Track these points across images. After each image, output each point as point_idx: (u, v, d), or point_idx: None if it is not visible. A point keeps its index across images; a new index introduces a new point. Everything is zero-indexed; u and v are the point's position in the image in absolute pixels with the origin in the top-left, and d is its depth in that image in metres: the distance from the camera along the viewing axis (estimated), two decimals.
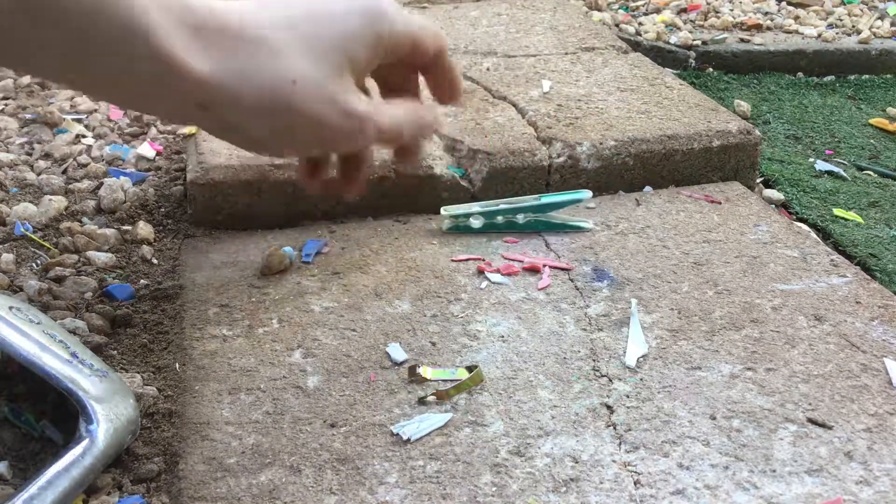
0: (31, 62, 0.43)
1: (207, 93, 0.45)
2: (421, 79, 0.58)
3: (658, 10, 1.50)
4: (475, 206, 0.74)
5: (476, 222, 0.73)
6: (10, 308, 0.52)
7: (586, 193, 0.75)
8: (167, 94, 0.46)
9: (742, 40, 1.38)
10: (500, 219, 0.73)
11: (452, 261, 0.69)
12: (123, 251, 0.70)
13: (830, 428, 0.53)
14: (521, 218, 0.73)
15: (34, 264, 0.68)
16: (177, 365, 0.57)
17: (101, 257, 0.69)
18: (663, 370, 0.57)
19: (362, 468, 0.49)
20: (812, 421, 0.53)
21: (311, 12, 0.48)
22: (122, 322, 0.62)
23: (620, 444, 0.51)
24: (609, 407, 0.54)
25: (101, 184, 0.79)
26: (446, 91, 0.58)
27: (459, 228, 0.73)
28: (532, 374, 0.57)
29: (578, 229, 0.74)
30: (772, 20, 1.48)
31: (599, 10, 1.50)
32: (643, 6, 1.53)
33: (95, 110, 0.94)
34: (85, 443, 0.46)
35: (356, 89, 0.50)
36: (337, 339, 0.60)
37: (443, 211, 0.74)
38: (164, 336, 0.61)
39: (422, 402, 0.54)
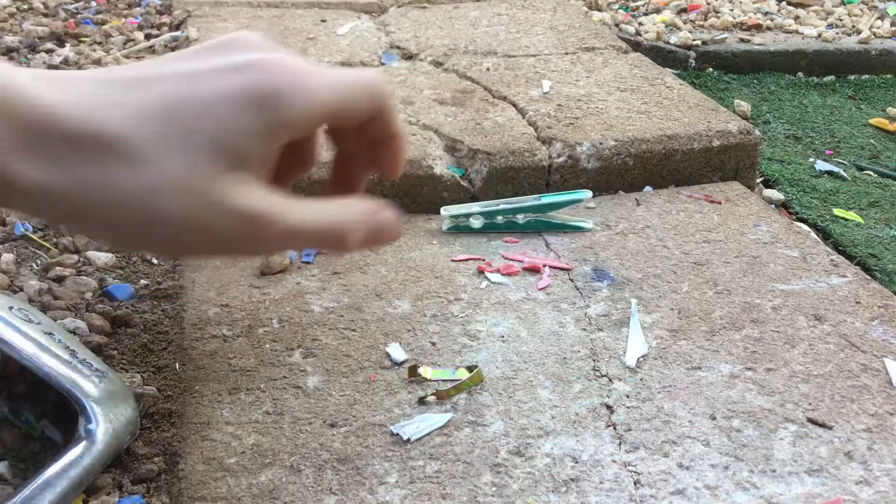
0: None
1: (55, 209, 0.38)
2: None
3: (658, 10, 1.50)
4: (475, 206, 0.74)
5: (476, 222, 0.73)
6: (10, 308, 0.52)
7: (586, 193, 0.75)
8: (21, 207, 0.38)
9: (742, 40, 1.38)
10: (500, 219, 0.73)
11: (452, 261, 0.69)
12: (123, 251, 0.70)
13: (830, 428, 0.53)
14: (521, 218, 0.73)
15: (34, 264, 0.68)
16: (177, 365, 0.57)
17: (101, 257, 0.69)
18: (663, 370, 0.57)
19: (362, 468, 0.49)
20: (812, 421, 0.53)
21: (182, 102, 0.39)
22: (122, 322, 0.62)
23: (620, 444, 0.51)
24: (609, 407, 0.54)
25: None
26: (385, 162, 0.46)
27: (459, 228, 0.73)
28: (532, 374, 0.57)
29: (578, 229, 0.74)
30: (772, 20, 1.48)
31: (599, 10, 1.50)
32: (643, 6, 1.53)
33: None
34: (84, 443, 0.46)
35: (251, 185, 0.41)
36: (337, 339, 0.60)
37: (443, 211, 0.74)
38: (164, 336, 0.61)
39: (422, 402, 0.54)
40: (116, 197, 0.38)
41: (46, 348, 0.49)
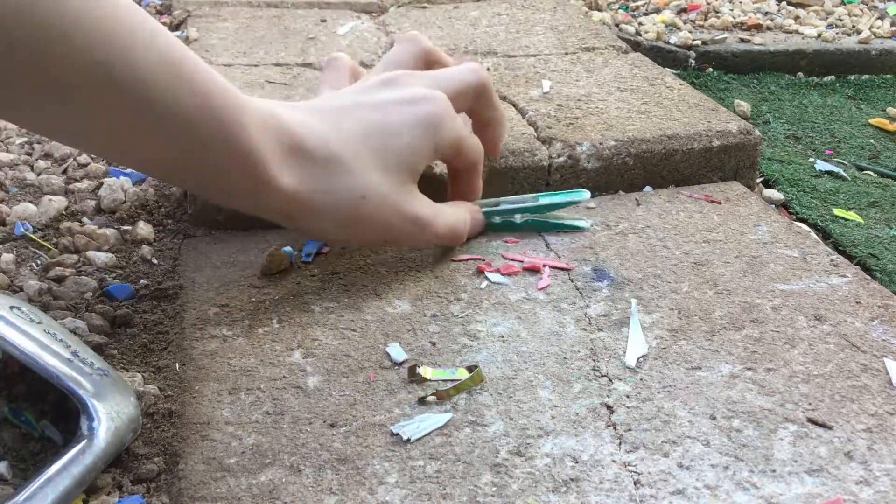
0: (128, 155, 0.48)
1: (294, 207, 0.51)
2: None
3: (658, 10, 1.50)
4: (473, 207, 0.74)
5: None
6: (11, 308, 0.52)
7: (584, 194, 0.75)
8: (256, 202, 0.51)
9: (742, 40, 1.38)
10: (497, 219, 0.73)
11: (452, 261, 0.69)
12: (123, 251, 0.71)
13: (830, 428, 0.53)
14: (518, 218, 0.73)
15: (34, 264, 0.68)
16: (177, 365, 0.57)
17: (101, 257, 0.69)
18: (663, 370, 0.57)
19: (362, 468, 0.49)
20: (812, 421, 0.53)
21: (377, 127, 0.53)
22: (122, 322, 0.62)
23: (620, 444, 0.51)
24: (609, 407, 0.54)
25: (101, 184, 0.79)
26: (487, 143, 0.65)
27: None
28: (532, 374, 0.57)
29: (576, 229, 0.74)
30: (772, 20, 1.48)
31: (599, 10, 1.50)
32: (643, 6, 1.53)
33: None
34: (86, 441, 0.46)
35: (418, 195, 0.57)
36: (337, 339, 0.60)
37: None
38: (164, 336, 0.61)
39: (422, 402, 0.54)
40: (337, 199, 0.51)
41: (48, 347, 0.49)
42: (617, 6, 1.53)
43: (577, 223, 0.74)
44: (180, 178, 0.52)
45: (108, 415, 0.48)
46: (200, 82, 0.44)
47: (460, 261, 0.69)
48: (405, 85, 0.55)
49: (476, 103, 0.62)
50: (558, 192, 0.76)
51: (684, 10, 1.51)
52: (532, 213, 0.73)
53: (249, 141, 0.47)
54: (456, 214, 0.61)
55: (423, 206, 0.57)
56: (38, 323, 0.52)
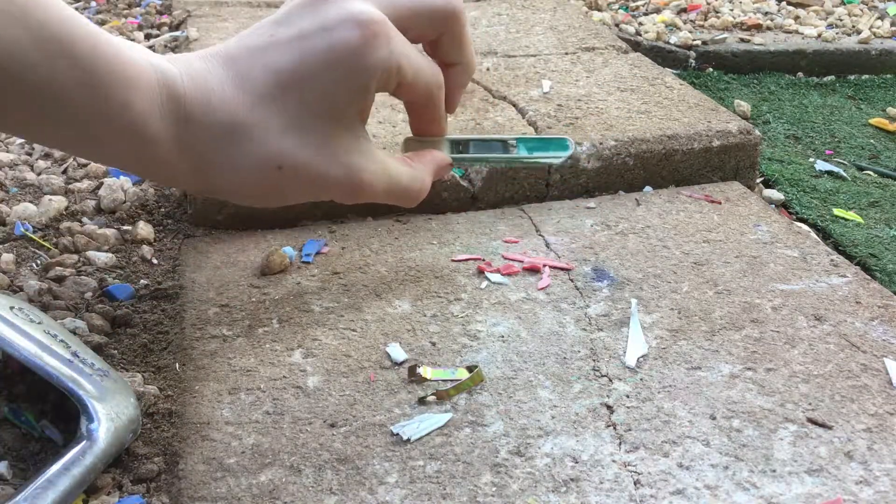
0: (37, 137, 0.44)
1: (200, 183, 0.45)
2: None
3: (658, 10, 1.50)
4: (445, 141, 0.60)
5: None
6: (11, 308, 0.52)
7: (569, 148, 0.62)
8: (163, 179, 0.47)
9: (742, 40, 1.39)
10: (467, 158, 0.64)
11: (452, 261, 0.69)
12: (123, 251, 0.71)
13: (830, 428, 0.53)
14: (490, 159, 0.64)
15: (34, 264, 0.68)
16: (177, 365, 0.57)
17: (101, 257, 0.69)
18: (663, 370, 0.57)
19: (362, 468, 0.49)
20: (812, 421, 0.53)
21: (288, 74, 0.44)
22: (122, 322, 0.62)
23: (620, 444, 0.51)
24: (609, 407, 0.54)
25: (101, 184, 0.79)
26: (422, 134, 0.55)
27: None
28: (532, 374, 0.57)
29: (550, 164, 0.65)
30: (772, 20, 1.48)
31: (599, 10, 1.50)
32: (643, 6, 1.53)
33: None
34: (86, 442, 0.46)
35: (353, 148, 0.47)
36: (337, 339, 0.60)
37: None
38: (164, 336, 0.61)
39: (422, 402, 0.54)
40: (247, 170, 0.44)
41: (48, 347, 0.49)
42: (617, 6, 1.53)
43: (551, 160, 0.62)
44: (77, 153, 0.48)
45: (108, 415, 0.48)
46: (83, 55, 0.39)
47: (460, 261, 0.69)
48: (334, 2, 0.45)
49: (440, 36, 0.50)
50: (538, 139, 0.62)
51: (684, 10, 1.51)
52: (505, 165, 0.69)
53: (137, 120, 0.41)
54: (408, 174, 0.51)
55: (358, 165, 0.47)
56: (38, 323, 0.52)
